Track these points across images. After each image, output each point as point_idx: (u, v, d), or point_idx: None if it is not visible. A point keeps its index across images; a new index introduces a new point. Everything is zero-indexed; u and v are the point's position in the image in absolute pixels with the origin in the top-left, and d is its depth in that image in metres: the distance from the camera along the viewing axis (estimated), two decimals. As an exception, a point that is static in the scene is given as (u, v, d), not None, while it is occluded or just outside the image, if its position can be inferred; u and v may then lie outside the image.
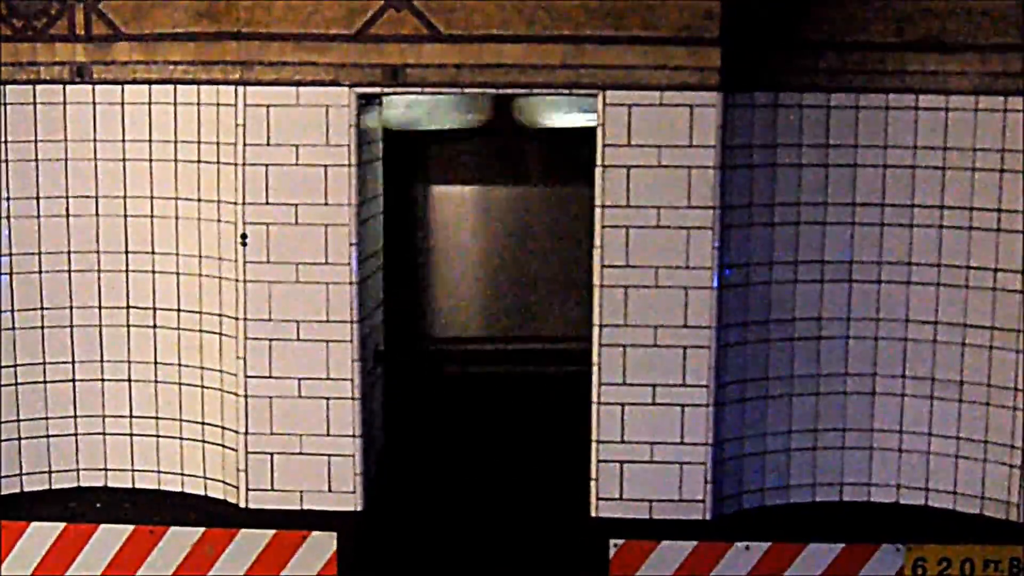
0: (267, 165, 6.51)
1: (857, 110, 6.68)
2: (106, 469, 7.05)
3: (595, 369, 6.53)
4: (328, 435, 6.64)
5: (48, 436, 6.99)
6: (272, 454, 6.68)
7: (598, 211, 6.45)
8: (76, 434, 7.02)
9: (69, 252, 6.90)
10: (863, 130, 6.69)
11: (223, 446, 6.82)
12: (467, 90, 6.45)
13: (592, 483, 6.61)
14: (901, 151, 6.70)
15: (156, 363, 6.95)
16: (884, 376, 6.81)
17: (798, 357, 6.80)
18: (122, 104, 6.80)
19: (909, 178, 6.71)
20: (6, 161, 6.76)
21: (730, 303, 6.57)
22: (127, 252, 6.89)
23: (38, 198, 6.84)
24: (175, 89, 6.72)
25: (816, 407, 6.82)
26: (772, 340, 6.75)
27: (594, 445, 6.58)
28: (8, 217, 6.80)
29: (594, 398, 6.55)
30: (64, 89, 6.80)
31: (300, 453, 6.68)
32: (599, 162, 6.44)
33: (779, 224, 6.69)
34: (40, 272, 6.89)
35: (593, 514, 6.62)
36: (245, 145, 6.51)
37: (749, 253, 6.64)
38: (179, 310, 6.86)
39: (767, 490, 6.83)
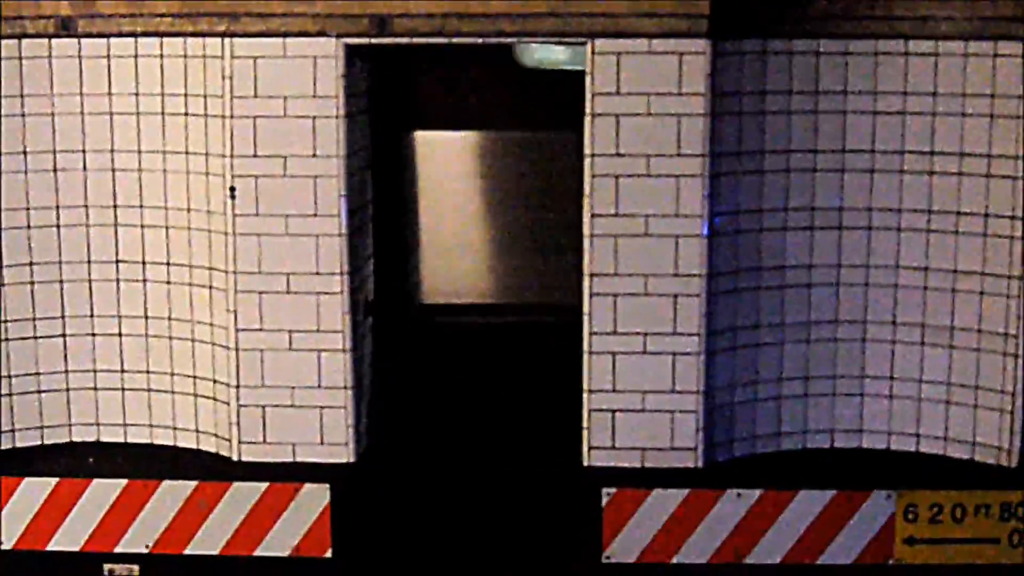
0: (255, 117, 6.48)
1: (847, 56, 6.65)
2: (98, 424, 7.06)
3: (586, 319, 6.53)
4: (320, 387, 6.65)
5: (40, 391, 6.98)
6: (264, 407, 6.69)
7: (587, 160, 6.44)
8: (68, 389, 7.02)
9: (57, 207, 6.87)
10: (852, 77, 6.66)
11: (215, 399, 6.82)
12: (454, 39, 6.42)
13: (584, 432, 6.63)
14: (891, 97, 6.68)
15: (147, 317, 6.94)
16: (874, 323, 6.81)
17: (788, 305, 6.79)
18: (108, 57, 6.76)
19: (899, 125, 6.69)
20: (-7, 116, 6.76)
21: (720, 251, 6.56)
22: (115, 206, 6.87)
23: (25, 153, 6.81)
24: (161, 42, 6.68)
25: (807, 354, 6.83)
26: (763, 288, 6.75)
27: (585, 394, 6.59)
28: (-5, 172, 6.80)
29: (585, 347, 6.55)
30: (50, 43, 6.76)
31: (292, 406, 6.69)
32: (588, 111, 6.42)
33: (769, 172, 6.67)
34: (28, 228, 6.87)
35: (585, 463, 6.64)
36: (232, 97, 6.49)
37: (739, 201, 6.63)
38: (169, 264, 6.85)
39: (758, 437, 6.85)
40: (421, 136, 7.18)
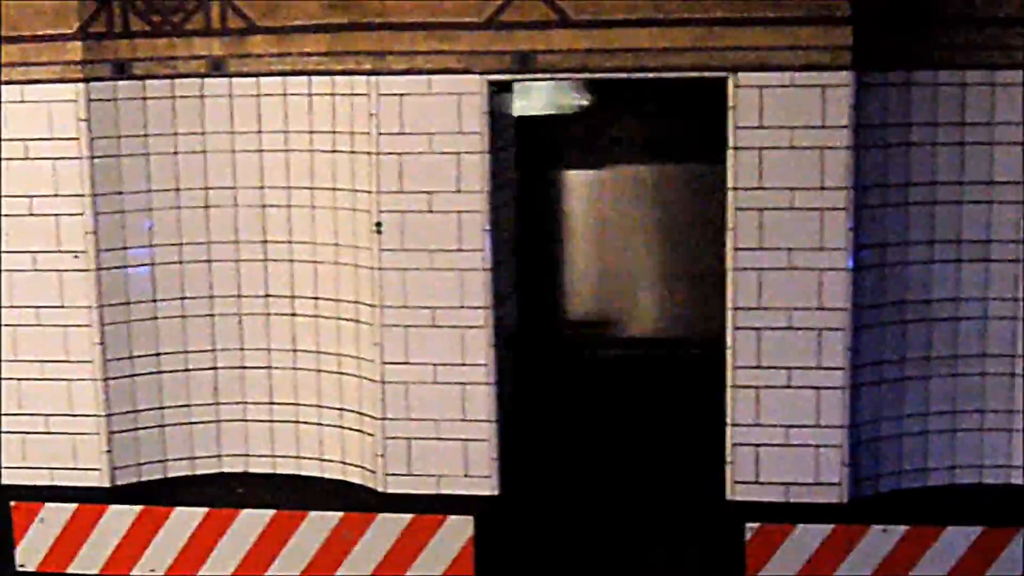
0: (401, 153, 6.58)
1: (993, 87, 6.57)
2: (247, 455, 7.18)
3: (729, 352, 6.52)
4: (464, 420, 6.71)
5: (191, 423, 7.13)
6: (409, 439, 6.76)
7: (730, 193, 6.43)
8: (218, 421, 7.16)
9: (209, 242, 7.03)
10: (1000, 107, 6.58)
11: (361, 431, 6.91)
12: (597, 75, 6.47)
13: (727, 466, 6.60)
14: (1039, 127, 6.60)
15: (295, 350, 7.06)
16: (1024, 357, 6.73)
17: (935, 338, 6.72)
18: (258, 96, 6.92)
19: (1048, 155, 6.61)
20: (147, 155, 6.91)
21: (865, 285, 6.51)
22: (265, 241, 7.01)
23: (177, 190, 6.98)
24: (309, 80, 6.82)
25: (954, 389, 6.74)
26: (908, 321, 6.68)
27: (729, 428, 6.57)
28: (151, 209, 6.95)
29: (729, 381, 6.54)
30: (202, 82, 6.94)
31: (437, 438, 6.75)
32: (731, 144, 6.42)
33: (914, 204, 6.61)
34: (181, 263, 7.03)
35: (729, 497, 6.61)
36: (379, 134, 6.59)
37: (884, 233, 6.57)
38: (317, 298, 6.97)
39: (904, 473, 6.77)
40: (565, 171, 7.23)
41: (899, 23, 6.46)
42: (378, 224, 6.64)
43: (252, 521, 6.82)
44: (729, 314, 6.50)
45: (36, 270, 6.95)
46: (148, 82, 6.89)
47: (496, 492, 6.76)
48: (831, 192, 6.38)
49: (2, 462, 7.11)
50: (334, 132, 6.79)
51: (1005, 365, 6.73)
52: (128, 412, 7.04)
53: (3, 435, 7.08)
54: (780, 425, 6.53)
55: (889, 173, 6.55)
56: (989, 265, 6.67)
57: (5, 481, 7.10)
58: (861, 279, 6.49)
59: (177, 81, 6.93)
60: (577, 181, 7.26)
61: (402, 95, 6.56)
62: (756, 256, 6.45)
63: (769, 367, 6.50)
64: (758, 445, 6.57)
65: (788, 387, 6.50)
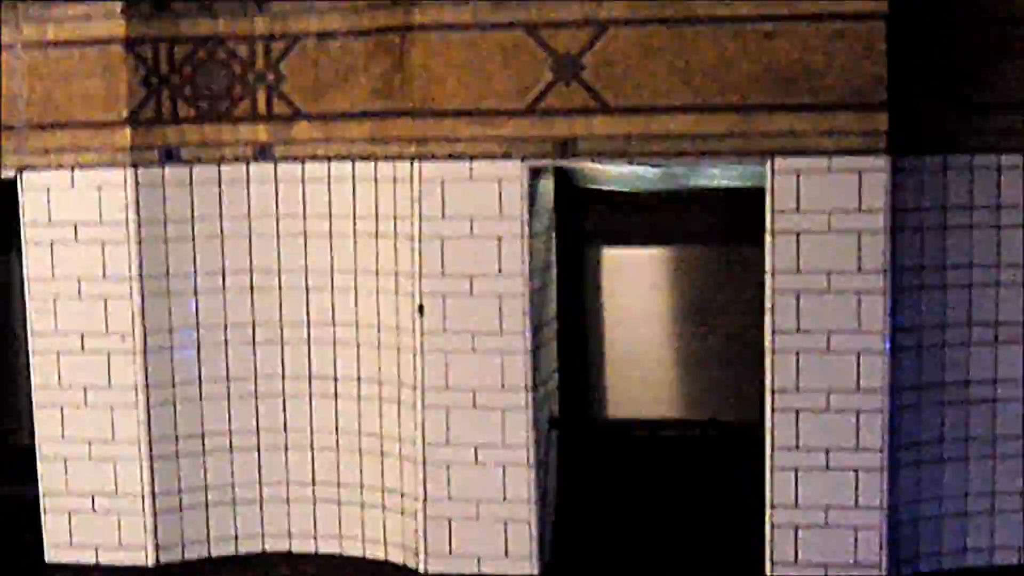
0: (442, 238, 6.69)
1: (1029, 170, 6.67)
2: (290, 534, 7.26)
3: (768, 433, 6.57)
4: (504, 500, 6.77)
5: (234, 502, 7.22)
6: (450, 519, 6.83)
7: (768, 277, 6.51)
8: (261, 500, 7.24)
9: (253, 324, 7.15)
10: (1035, 190, 6.68)
11: (402, 512, 6.98)
12: (635, 161, 6.57)
13: (767, 546, 6.64)
14: (1074, 210, 6.68)
15: (337, 431, 7.15)
16: (1062, 438, 6.76)
17: (973, 420, 6.76)
18: (302, 181, 7.06)
19: (1084, 237, 6.68)
20: (194, 238, 7.04)
21: (903, 366, 6.57)
22: (308, 323, 7.13)
23: (223, 272, 7.11)
24: (353, 165, 6.96)
25: (993, 470, 6.77)
26: (946, 403, 6.73)
27: (768, 509, 6.62)
28: (196, 292, 7.08)
29: (768, 462, 6.59)
30: (247, 167, 7.08)
31: (477, 518, 6.81)
32: (769, 228, 6.50)
33: (951, 286, 6.68)
34: (226, 343, 7.15)
35: (768, 577, 6.66)
36: (421, 219, 6.70)
37: (921, 315, 6.63)
38: (359, 379, 7.06)
39: (944, 554, 6.79)
40: (605, 252, 7.31)
41: (935, 108, 6.56)
42: (420, 307, 6.74)
43: (294, 600, 6.90)
44: (768, 396, 6.56)
45: (85, 351, 7.07)
46: (195, 167, 7.04)
47: (536, 572, 6.80)
48: (868, 275, 6.45)
49: (49, 540, 7.21)
50: (376, 216, 6.91)
51: (1044, 447, 6.79)
52: (172, 492, 7.13)
53: (50, 514, 7.19)
54: (818, 506, 6.57)
55: (926, 255, 6.62)
56: (1026, 347, 6.75)
57: (51, 559, 7.20)
58: (898, 361, 6.54)
59: (223, 166, 7.07)
60: (618, 262, 7.34)
61: (444, 180, 6.67)
62: (794, 339, 6.51)
63: (808, 448, 6.55)
64: (797, 526, 6.61)
65: (827, 469, 6.54)
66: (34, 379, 7.15)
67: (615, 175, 7.01)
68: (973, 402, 6.75)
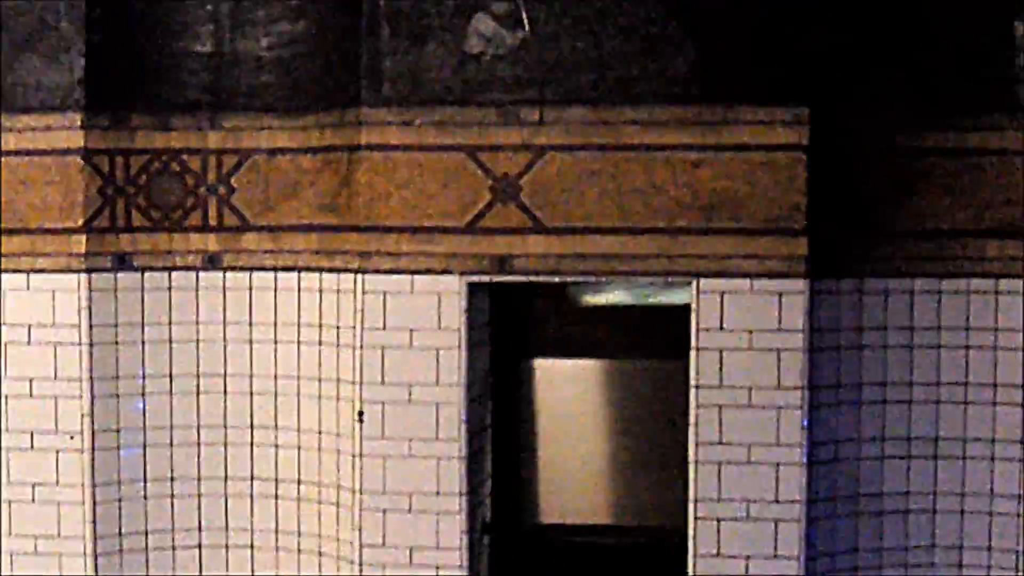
0: (383, 347, 6.96)
1: (940, 294, 7.02)
2: (230, 639, 7.47)
3: (691, 541, 6.85)
4: (437, 602, 7.02)
5: (176, 601, 7.43)
6: (384, 621, 7.06)
7: (692, 391, 6.82)
8: (201, 599, 7.46)
9: (198, 426, 7.38)
10: (946, 313, 7.02)
11: (339, 611, 7.21)
12: (568, 278, 6.89)
13: (688, 651, 6.90)
14: (983, 333, 7.02)
15: (277, 531, 7.37)
16: (969, 549, 7.06)
17: (887, 530, 7.07)
18: (250, 289, 7.32)
19: (991, 358, 7.01)
20: (143, 342, 7.29)
21: (819, 479, 6.88)
22: (252, 427, 7.37)
23: (171, 376, 7.35)
24: (299, 276, 7.24)
25: (904, 579, 7.11)
26: (861, 514, 7.04)
27: (690, 613, 6.89)
28: (143, 394, 7.31)
29: (690, 570, 6.86)
30: (197, 275, 7.34)
31: (411, 620, 7.05)
32: (693, 344, 6.81)
33: (866, 403, 7.01)
34: (171, 445, 7.37)
35: None
36: (363, 329, 6.97)
37: (837, 430, 6.96)
38: (299, 481, 7.30)
39: (858, 660, 7.08)
40: (537, 363, 7.60)
41: (851, 235, 6.92)
42: (360, 413, 6.99)
43: None
44: (691, 505, 6.84)
45: (34, 448, 7.28)
46: (147, 274, 7.30)
47: (465, 674, 7.03)
48: (787, 392, 6.76)
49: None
50: (321, 325, 7.18)
51: (952, 556, 7.08)
52: (115, 587, 7.35)
53: (-6, 607, 7.38)
54: (738, 612, 6.85)
55: (842, 373, 6.96)
56: (936, 461, 7.05)
57: (-6, 653, 7.37)
58: (815, 474, 6.85)
59: (174, 273, 7.33)
60: (550, 374, 7.62)
61: (386, 292, 6.95)
62: (716, 450, 6.81)
63: (728, 556, 6.83)
64: (718, 630, 6.88)
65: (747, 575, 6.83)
66: (-16, 475, 7.35)
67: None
68: (887, 513, 7.05)
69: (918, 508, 7.09)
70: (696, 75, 6.73)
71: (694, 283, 6.80)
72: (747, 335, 6.79)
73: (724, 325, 6.79)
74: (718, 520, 6.83)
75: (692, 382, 6.83)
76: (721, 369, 6.80)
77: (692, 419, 6.84)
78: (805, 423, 6.79)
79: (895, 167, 6.96)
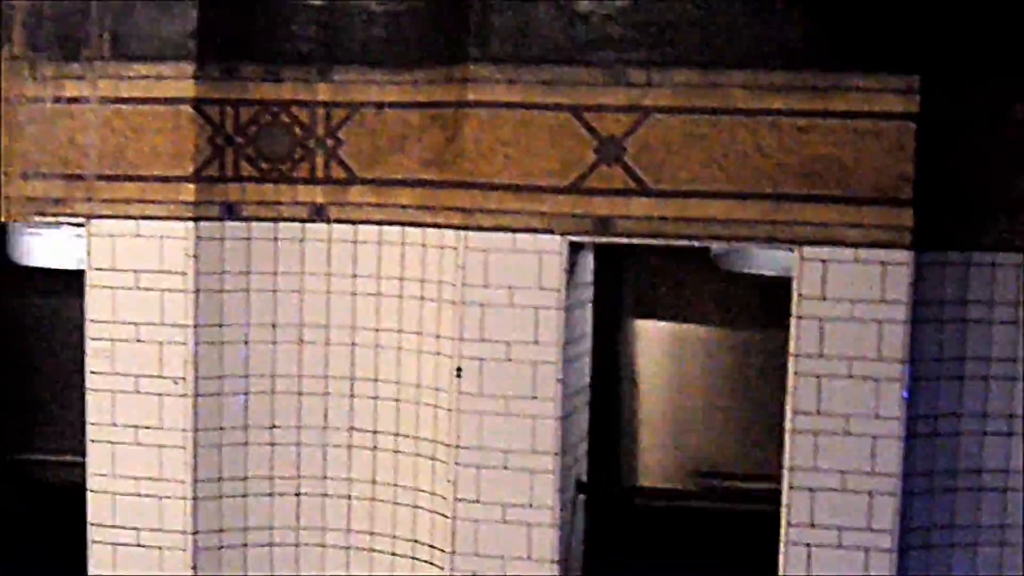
0: (483, 305, 7.00)
1: (1044, 269, 6.92)
2: (323, 578, 7.58)
3: (784, 510, 6.82)
4: (528, 559, 7.04)
5: (270, 545, 7.52)
6: (475, 575, 7.10)
7: (791, 359, 6.77)
8: (297, 544, 7.54)
9: (300, 376, 7.48)
10: (1052, 289, 6.93)
11: (431, 563, 7.27)
12: (671, 242, 6.87)
13: (782, 621, 6.88)
14: (1084, 308, 6.92)
15: (374, 482, 7.46)
16: (1066, 529, 6.98)
17: (985, 507, 6.99)
18: (355, 242, 7.39)
19: (1094, 334, 6.92)
20: (248, 291, 7.39)
21: (918, 452, 6.81)
22: (352, 378, 7.45)
23: (274, 326, 7.45)
24: (403, 230, 7.29)
25: (1000, 556, 6.99)
26: (959, 489, 6.96)
27: (782, 581, 6.88)
28: (247, 342, 7.42)
29: (782, 538, 6.84)
30: (303, 227, 7.43)
31: (503, 575, 7.08)
32: (794, 313, 6.77)
33: (968, 378, 6.92)
34: (272, 393, 7.48)
35: (786, 650, 6.88)
36: (464, 285, 7.01)
37: (937, 404, 6.88)
38: (397, 434, 7.38)
39: (950, 637, 7.02)
40: (639, 324, 7.61)
41: (959, 207, 6.82)
42: (459, 369, 7.04)
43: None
44: (786, 473, 6.81)
45: (138, 392, 7.42)
46: (253, 224, 7.39)
47: (556, 629, 7.08)
48: (887, 363, 6.70)
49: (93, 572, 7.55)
50: (423, 280, 7.23)
51: (1049, 537, 7.01)
52: (214, 531, 7.45)
53: (96, 545, 7.52)
54: (829, 581, 6.82)
55: (944, 347, 6.87)
56: (1037, 439, 6.98)
57: (94, 584, 7.56)
58: (913, 446, 6.78)
59: (280, 224, 7.42)
60: (651, 334, 7.63)
61: (488, 250, 6.98)
62: (813, 420, 6.76)
63: (821, 526, 6.80)
64: (809, 600, 6.85)
65: (839, 547, 6.78)
66: (88, 416, 7.49)
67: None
68: (984, 490, 6.97)
69: (1017, 486, 6.99)
70: (806, 40, 6.66)
71: (797, 251, 6.75)
72: (849, 305, 6.72)
73: (826, 294, 6.73)
74: (812, 490, 6.80)
75: (791, 350, 6.78)
76: (821, 338, 6.75)
77: (790, 388, 6.80)
78: (905, 396, 6.72)
79: (1009, 138, 6.84)
